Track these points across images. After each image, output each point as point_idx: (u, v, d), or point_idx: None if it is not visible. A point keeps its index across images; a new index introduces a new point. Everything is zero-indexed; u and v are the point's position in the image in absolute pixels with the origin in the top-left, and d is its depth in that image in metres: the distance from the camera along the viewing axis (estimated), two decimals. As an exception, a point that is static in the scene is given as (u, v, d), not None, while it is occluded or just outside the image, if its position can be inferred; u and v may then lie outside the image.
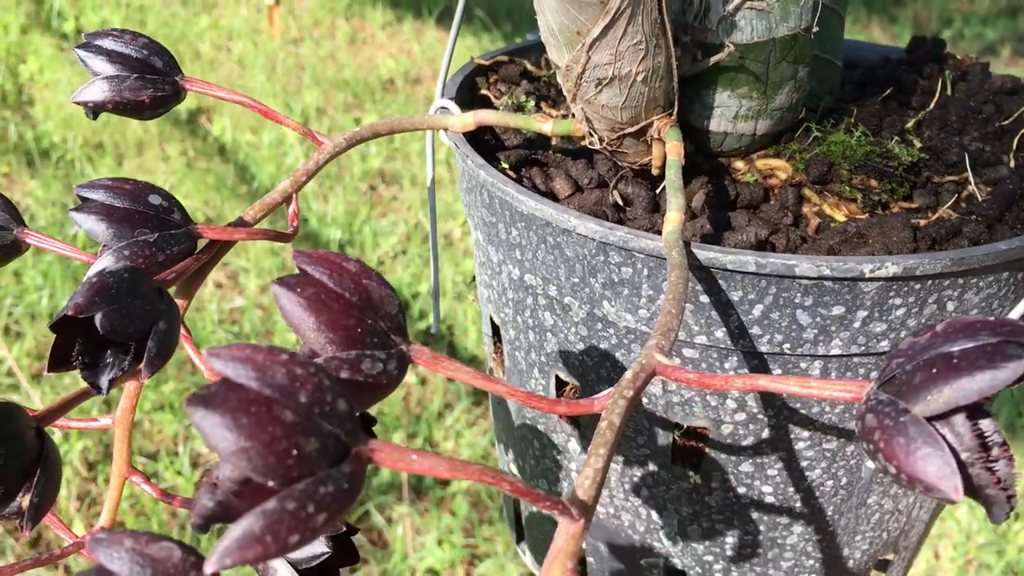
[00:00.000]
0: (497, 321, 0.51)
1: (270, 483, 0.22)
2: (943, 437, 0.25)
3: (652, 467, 0.46)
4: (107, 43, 0.43)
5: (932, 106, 0.52)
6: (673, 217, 0.37)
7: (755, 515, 0.46)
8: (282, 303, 0.29)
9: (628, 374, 0.31)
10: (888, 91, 0.53)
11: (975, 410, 0.26)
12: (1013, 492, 0.26)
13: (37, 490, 0.33)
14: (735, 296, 0.39)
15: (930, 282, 0.38)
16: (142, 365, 0.34)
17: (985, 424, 0.26)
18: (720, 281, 0.39)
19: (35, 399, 1.31)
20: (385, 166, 1.99)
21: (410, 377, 1.43)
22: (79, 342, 0.34)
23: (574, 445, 0.49)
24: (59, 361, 0.34)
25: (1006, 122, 0.50)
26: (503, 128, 0.51)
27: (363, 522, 1.22)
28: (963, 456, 0.25)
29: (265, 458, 0.22)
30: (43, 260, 1.59)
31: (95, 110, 0.43)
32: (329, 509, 0.22)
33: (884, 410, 0.25)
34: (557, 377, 0.47)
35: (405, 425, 1.34)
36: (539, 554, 0.57)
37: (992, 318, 0.25)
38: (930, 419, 0.25)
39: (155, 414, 1.31)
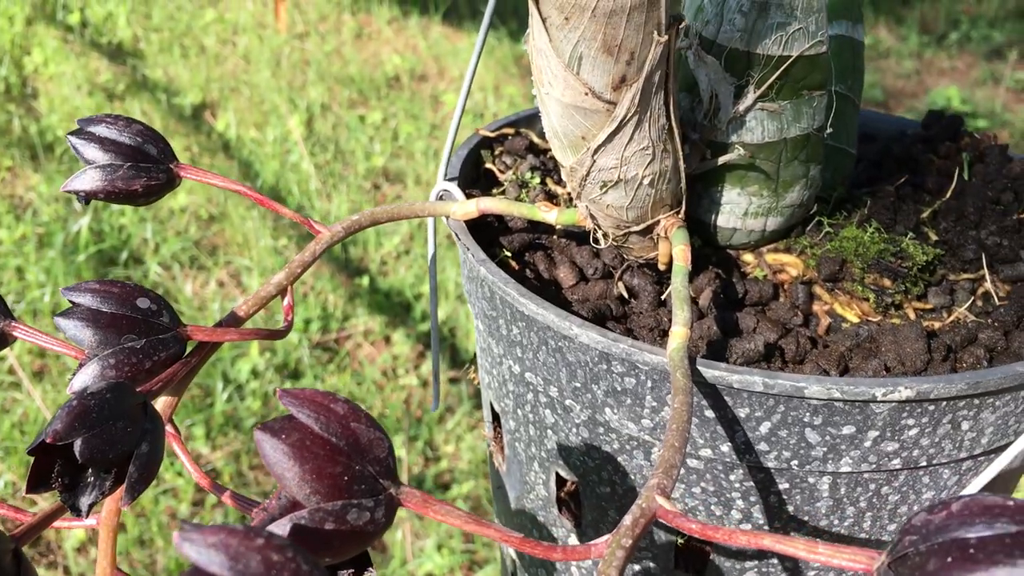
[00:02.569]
0: (497, 409, 0.49)
1: None
2: (958, 627, 0.23)
3: (653, 567, 0.45)
4: (100, 130, 0.42)
5: (948, 195, 0.50)
6: (679, 333, 0.36)
7: (759, 621, 0.45)
8: (265, 450, 0.28)
9: (627, 519, 0.29)
10: (903, 178, 0.51)
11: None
12: None
13: (12, 620, 0.32)
14: (741, 413, 0.37)
15: (944, 403, 0.37)
16: (123, 490, 0.32)
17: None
18: (726, 398, 0.37)
19: (36, 397, 1.30)
20: (389, 164, 1.98)
21: (412, 380, 1.42)
22: (59, 463, 0.33)
23: (574, 540, 0.48)
24: (38, 482, 0.33)
25: (1025, 214, 0.49)
26: (508, 215, 0.49)
27: (362, 525, 1.21)
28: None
29: (236, 663, 0.21)
30: (46, 256, 1.58)
31: (87, 198, 0.42)
32: None
33: (896, 597, 0.24)
34: (557, 474, 0.46)
35: (406, 428, 1.33)
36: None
37: (1011, 502, 0.24)
38: (944, 608, 0.23)
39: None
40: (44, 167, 1.87)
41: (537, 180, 0.53)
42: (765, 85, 0.40)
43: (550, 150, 0.56)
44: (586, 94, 0.36)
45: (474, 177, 0.54)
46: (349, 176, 1.93)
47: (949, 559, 0.23)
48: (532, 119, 0.59)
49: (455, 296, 1.58)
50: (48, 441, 0.31)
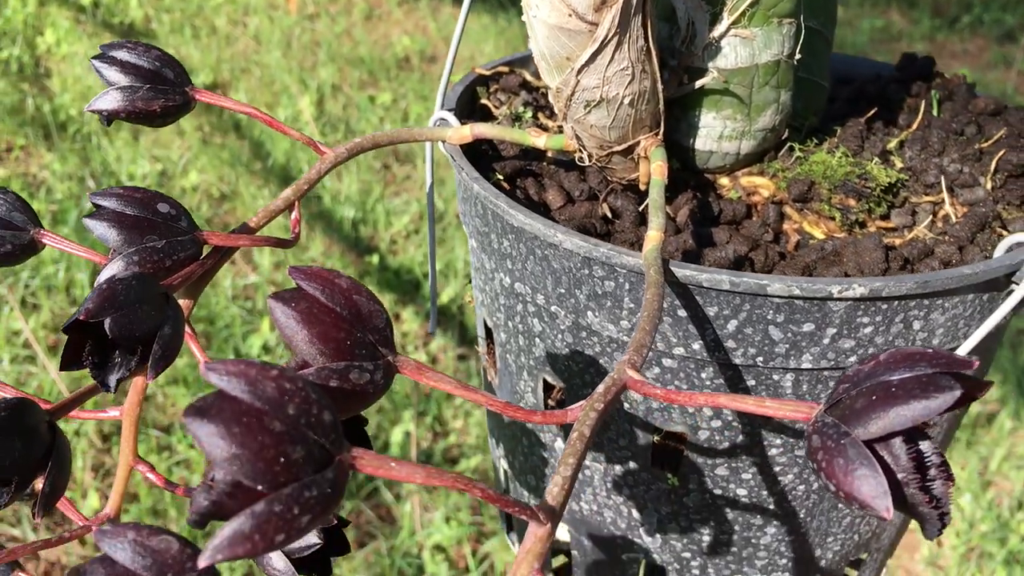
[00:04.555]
0: (490, 324, 0.53)
1: (259, 487, 0.24)
2: (882, 459, 0.27)
3: (633, 467, 0.48)
4: (121, 54, 0.46)
5: (915, 126, 0.53)
6: (653, 236, 0.39)
7: (730, 515, 0.48)
8: (277, 316, 0.31)
9: (600, 387, 0.33)
10: (873, 111, 0.54)
11: (914, 433, 0.28)
12: (947, 510, 0.28)
13: (48, 480, 0.35)
14: (711, 311, 0.41)
15: (896, 302, 0.40)
16: (148, 366, 0.36)
17: (924, 446, 0.28)
18: (697, 297, 0.41)
19: (51, 370, 1.34)
20: (399, 145, 2.01)
21: (421, 356, 1.46)
22: (90, 343, 0.36)
23: (560, 444, 0.51)
24: (71, 360, 0.36)
25: (986, 144, 0.52)
26: (499, 140, 0.53)
27: (372, 498, 1.25)
28: (899, 476, 0.27)
29: (255, 464, 0.24)
30: (59, 233, 1.61)
31: (109, 118, 0.46)
32: (313, 511, 0.25)
33: (828, 432, 0.27)
34: (544, 380, 0.49)
35: (415, 403, 1.37)
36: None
37: (931, 349, 0.27)
38: (870, 442, 0.27)
39: (168, 387, 1.34)
40: (57, 146, 1.90)
41: (529, 114, 0.56)
42: (738, 12, 0.43)
43: (542, 87, 0.60)
44: (570, 15, 0.39)
45: (470, 111, 0.58)
46: (359, 156, 1.96)
47: (874, 397, 0.27)
48: (526, 60, 0.62)
49: (463, 274, 1.61)
50: (81, 318, 0.34)
